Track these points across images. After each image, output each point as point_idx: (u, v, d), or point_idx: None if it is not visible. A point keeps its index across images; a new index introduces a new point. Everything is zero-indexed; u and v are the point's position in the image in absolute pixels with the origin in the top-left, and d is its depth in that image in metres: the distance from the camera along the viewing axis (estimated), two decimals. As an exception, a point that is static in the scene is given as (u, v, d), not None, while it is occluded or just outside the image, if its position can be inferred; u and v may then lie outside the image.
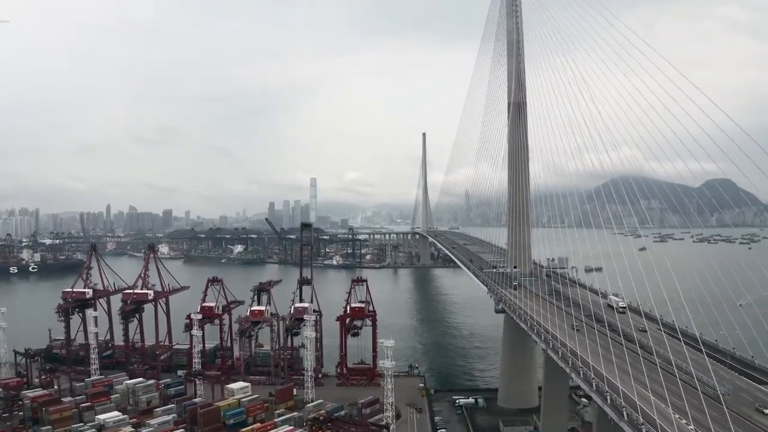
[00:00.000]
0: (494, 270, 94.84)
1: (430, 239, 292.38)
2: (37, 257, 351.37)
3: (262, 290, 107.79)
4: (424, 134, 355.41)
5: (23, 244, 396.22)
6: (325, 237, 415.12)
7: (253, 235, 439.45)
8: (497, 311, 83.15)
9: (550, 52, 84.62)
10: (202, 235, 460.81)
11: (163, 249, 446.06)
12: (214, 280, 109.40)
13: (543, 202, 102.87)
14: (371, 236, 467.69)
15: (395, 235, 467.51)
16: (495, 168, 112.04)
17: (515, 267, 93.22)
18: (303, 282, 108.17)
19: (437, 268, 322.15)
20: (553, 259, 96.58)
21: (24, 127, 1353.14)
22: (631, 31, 66.07)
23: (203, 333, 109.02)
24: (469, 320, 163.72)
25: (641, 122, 65.67)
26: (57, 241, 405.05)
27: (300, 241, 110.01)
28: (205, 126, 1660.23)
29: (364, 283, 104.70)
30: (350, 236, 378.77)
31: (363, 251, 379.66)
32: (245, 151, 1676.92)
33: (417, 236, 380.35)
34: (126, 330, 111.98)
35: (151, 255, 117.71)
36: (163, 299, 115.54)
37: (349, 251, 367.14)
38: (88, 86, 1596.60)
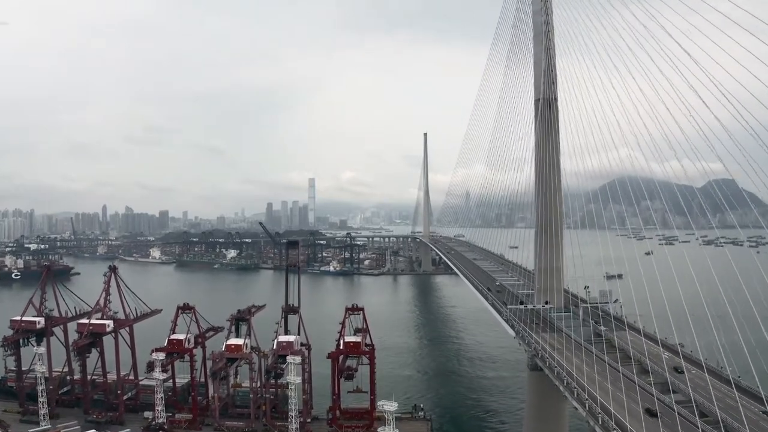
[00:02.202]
0: (522, 306, 78.36)
1: (432, 248, 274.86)
2: (21, 263, 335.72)
3: (240, 320, 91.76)
4: (425, 134, 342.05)
5: (7, 249, 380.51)
6: (321, 242, 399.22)
7: (247, 240, 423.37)
8: (531, 368, 66.95)
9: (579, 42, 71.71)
10: (194, 239, 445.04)
11: (155, 253, 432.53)
12: (185, 308, 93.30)
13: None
14: (370, 240, 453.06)
15: (395, 238, 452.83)
16: (508, 171, 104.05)
17: (547, 302, 77.43)
18: (289, 310, 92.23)
19: (439, 275, 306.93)
20: (586, 287, 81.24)
21: (17, 127, 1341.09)
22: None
23: (173, 367, 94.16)
24: (477, 340, 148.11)
25: (642, 121, 63.13)
26: (42, 246, 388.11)
27: (287, 260, 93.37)
28: (201, 125, 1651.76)
29: (361, 312, 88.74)
30: (348, 241, 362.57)
31: (361, 256, 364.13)
32: (242, 150, 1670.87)
33: (417, 240, 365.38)
34: (83, 365, 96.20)
35: (113, 276, 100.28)
36: (127, 328, 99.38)
37: (347, 255, 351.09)
38: (82, 85, 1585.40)
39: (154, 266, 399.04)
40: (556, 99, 76.61)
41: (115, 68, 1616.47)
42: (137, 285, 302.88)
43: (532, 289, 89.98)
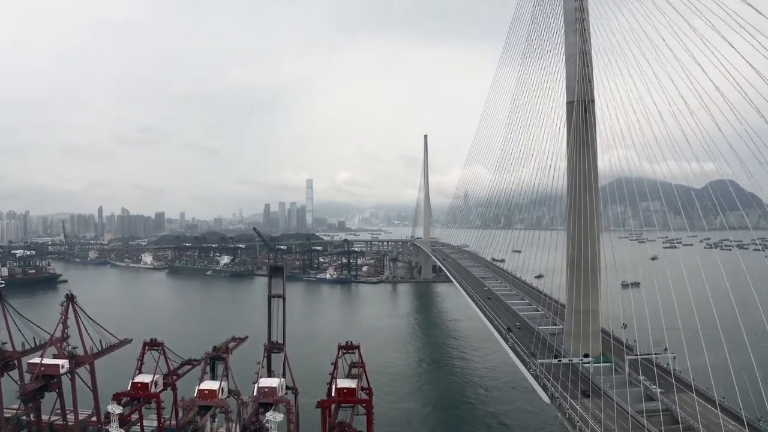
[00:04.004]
0: (555, 361, 64.91)
1: (437, 261, 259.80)
2: (5, 271, 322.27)
3: (216, 359, 79.06)
4: (425, 136, 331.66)
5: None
6: (318, 248, 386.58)
7: (241, 245, 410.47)
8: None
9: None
10: (188, 244, 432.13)
11: (147, 258, 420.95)
12: (152, 344, 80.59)
13: (543, 204, 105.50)
14: (368, 244, 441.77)
15: (393, 242, 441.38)
16: (521, 174, 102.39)
17: (586, 355, 64.50)
18: (272, 347, 79.62)
19: (439, 283, 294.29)
20: (624, 325, 68.74)
21: (13, 127, 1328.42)
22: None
23: (140, 412, 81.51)
24: (485, 364, 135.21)
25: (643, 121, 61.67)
26: (29, 252, 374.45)
27: (269, 288, 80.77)
28: (199, 126, 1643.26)
29: (356, 350, 76.23)
30: (345, 247, 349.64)
31: (359, 262, 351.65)
32: (240, 151, 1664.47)
33: (417, 245, 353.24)
34: (37, 409, 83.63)
35: (71, 306, 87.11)
36: (88, 365, 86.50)
37: (344, 261, 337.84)
38: (78, 86, 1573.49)
39: (146, 272, 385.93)
40: (593, 101, 63.76)
41: (113, 68, 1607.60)
42: (123, 294, 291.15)
43: (556, 324, 77.89)
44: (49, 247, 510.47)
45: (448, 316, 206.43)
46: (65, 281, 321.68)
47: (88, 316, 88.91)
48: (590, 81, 62.90)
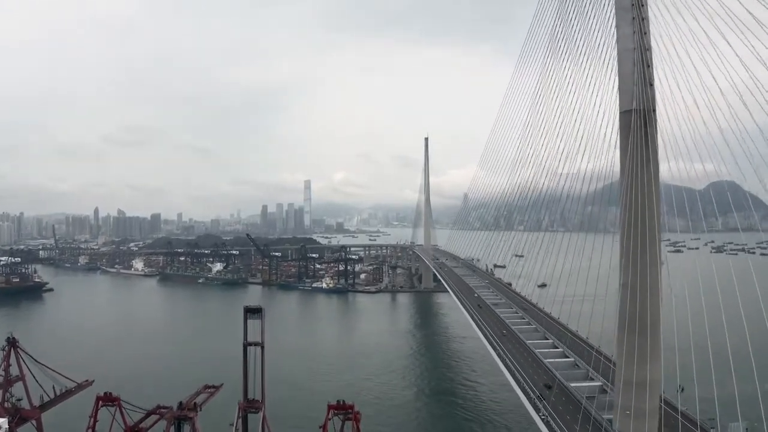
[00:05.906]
0: None
1: (444, 283, 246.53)
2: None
3: (182, 418, 66.16)
4: (426, 139, 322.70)
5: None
6: (313, 255, 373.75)
7: (235, 251, 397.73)
8: None
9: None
10: (180, 249, 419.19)
11: (138, 265, 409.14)
12: (106, 399, 67.71)
13: (543, 205, 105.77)
14: (367, 250, 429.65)
15: (392, 247, 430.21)
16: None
17: None
18: (248, 407, 66.84)
19: (440, 293, 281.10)
20: (681, 388, 56.18)
21: (8, 127, 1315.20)
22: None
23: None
24: (496, 398, 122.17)
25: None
26: (15, 259, 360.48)
27: (245, 332, 68.18)
28: (196, 126, 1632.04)
29: (350, 410, 63.50)
30: (342, 255, 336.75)
31: (357, 268, 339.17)
32: (239, 151, 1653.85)
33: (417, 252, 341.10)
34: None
35: (13, 350, 73.97)
36: (35, 420, 73.63)
37: (341, 268, 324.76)
38: (75, 86, 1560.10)
39: (137, 280, 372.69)
40: (654, 110, 50.46)
41: (109, 69, 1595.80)
42: (105, 308, 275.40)
43: (591, 379, 65.26)
44: (40, 252, 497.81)
45: (451, 332, 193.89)
46: (51, 290, 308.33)
47: (35, 359, 75.98)
48: (651, 84, 49.40)
